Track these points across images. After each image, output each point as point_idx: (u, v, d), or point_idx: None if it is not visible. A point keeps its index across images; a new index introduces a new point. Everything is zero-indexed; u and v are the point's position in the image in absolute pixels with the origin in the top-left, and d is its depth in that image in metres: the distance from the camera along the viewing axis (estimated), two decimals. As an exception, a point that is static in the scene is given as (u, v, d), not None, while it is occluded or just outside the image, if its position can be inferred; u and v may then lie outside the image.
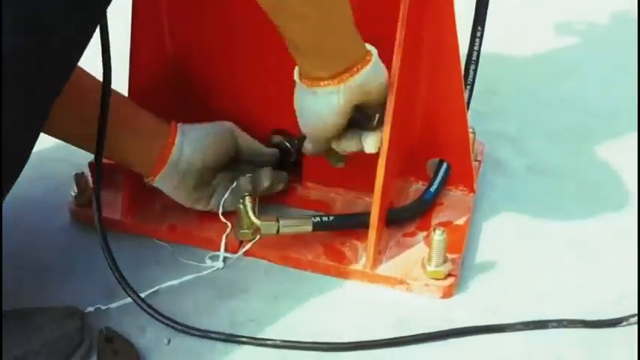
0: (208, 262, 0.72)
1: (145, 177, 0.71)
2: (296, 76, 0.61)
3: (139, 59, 0.72)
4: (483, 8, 0.75)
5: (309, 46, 0.57)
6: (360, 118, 0.64)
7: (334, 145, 0.67)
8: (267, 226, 0.68)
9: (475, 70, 0.79)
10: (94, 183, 0.77)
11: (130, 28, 0.71)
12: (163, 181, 0.71)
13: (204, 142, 0.71)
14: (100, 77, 0.63)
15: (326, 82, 0.58)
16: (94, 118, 0.63)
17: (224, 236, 0.73)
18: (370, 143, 0.65)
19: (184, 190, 0.72)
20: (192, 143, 0.70)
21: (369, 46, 0.61)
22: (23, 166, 0.52)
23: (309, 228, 0.69)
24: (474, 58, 0.77)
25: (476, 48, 0.77)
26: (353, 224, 0.73)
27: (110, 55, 0.61)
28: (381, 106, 0.64)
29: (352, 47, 0.59)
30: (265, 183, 0.75)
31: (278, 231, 0.68)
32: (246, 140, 0.75)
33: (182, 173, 0.70)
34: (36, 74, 0.47)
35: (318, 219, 0.70)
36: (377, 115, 0.65)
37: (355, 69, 0.59)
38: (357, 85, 0.59)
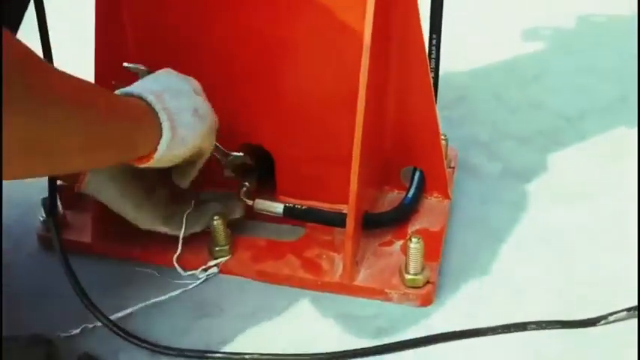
0: (184, 281, 0.71)
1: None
2: None
3: (102, 74, 0.71)
4: (438, 17, 0.76)
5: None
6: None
7: None
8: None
9: (435, 78, 0.80)
10: (63, 207, 0.76)
11: (94, 45, 0.70)
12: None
13: None
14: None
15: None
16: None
17: (174, 250, 0.71)
18: None
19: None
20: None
21: (163, 119, 0.59)
22: None
23: (280, 209, 0.73)
24: (432, 66, 0.78)
25: (433, 56, 0.78)
26: (323, 219, 0.73)
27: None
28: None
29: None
30: (238, 214, 0.75)
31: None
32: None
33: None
34: None
35: (291, 205, 0.73)
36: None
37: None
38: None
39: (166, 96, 0.60)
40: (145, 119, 0.58)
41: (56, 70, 0.49)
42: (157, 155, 0.59)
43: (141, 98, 0.59)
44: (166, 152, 0.60)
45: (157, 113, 0.59)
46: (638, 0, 1.33)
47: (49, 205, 0.67)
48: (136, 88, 0.60)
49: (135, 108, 0.58)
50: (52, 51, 0.64)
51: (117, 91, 0.60)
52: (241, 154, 0.73)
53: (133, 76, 0.67)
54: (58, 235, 0.66)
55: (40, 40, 0.62)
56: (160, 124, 0.59)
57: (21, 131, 0.43)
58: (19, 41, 0.44)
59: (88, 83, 0.53)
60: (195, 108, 0.63)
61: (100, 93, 0.55)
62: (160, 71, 0.66)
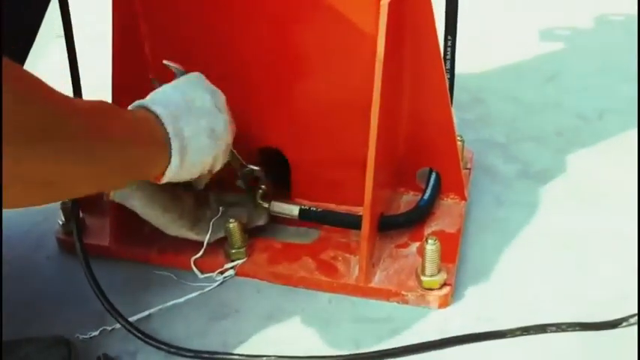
0: (201, 283, 0.71)
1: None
2: None
3: (119, 81, 0.71)
4: (452, 18, 0.76)
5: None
6: None
7: None
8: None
9: (451, 79, 0.79)
10: (81, 211, 0.77)
11: (111, 55, 0.71)
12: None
13: None
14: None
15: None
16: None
17: (198, 252, 0.71)
18: None
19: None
20: None
21: (174, 146, 0.58)
22: None
23: (296, 212, 0.73)
24: (447, 67, 0.78)
25: (448, 57, 0.78)
26: (340, 222, 0.73)
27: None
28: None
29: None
30: (263, 221, 0.75)
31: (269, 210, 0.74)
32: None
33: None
34: None
35: (306, 207, 0.73)
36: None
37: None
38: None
39: (184, 117, 0.59)
40: (156, 143, 0.57)
41: (73, 100, 0.49)
42: (164, 179, 0.59)
43: (157, 118, 0.58)
44: (174, 177, 0.60)
45: (169, 138, 0.58)
46: (638, 0, 1.32)
47: (72, 208, 0.68)
48: (156, 104, 0.59)
49: (147, 132, 0.57)
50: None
51: (138, 104, 0.59)
52: (257, 167, 0.73)
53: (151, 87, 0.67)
54: (79, 238, 0.66)
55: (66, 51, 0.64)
56: (171, 149, 0.58)
57: (36, 169, 0.44)
58: (39, 80, 0.45)
59: (102, 110, 0.52)
60: (213, 128, 0.62)
61: (113, 119, 0.53)
62: (189, 78, 0.65)
